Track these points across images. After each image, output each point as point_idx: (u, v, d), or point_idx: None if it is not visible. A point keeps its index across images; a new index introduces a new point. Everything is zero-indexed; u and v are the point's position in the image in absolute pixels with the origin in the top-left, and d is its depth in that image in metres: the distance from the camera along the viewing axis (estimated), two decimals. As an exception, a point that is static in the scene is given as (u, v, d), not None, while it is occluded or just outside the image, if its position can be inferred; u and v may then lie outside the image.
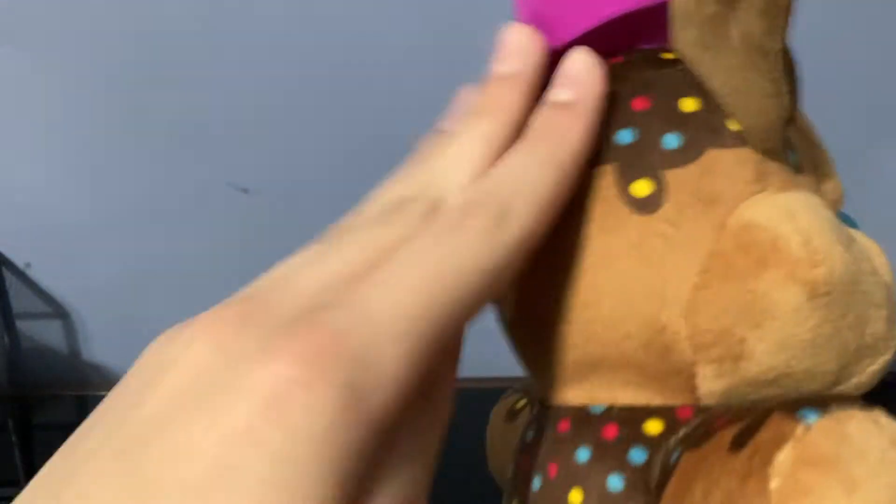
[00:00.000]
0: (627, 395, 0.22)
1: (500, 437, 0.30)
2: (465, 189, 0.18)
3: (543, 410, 0.24)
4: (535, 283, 0.22)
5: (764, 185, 0.21)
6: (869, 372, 0.21)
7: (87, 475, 0.13)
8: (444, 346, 0.16)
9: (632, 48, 0.23)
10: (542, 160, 0.19)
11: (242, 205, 0.67)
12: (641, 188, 0.21)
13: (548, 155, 0.19)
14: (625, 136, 0.21)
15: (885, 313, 0.21)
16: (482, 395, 0.32)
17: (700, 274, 0.20)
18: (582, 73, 0.20)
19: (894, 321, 0.21)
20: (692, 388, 0.21)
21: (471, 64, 0.69)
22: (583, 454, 0.22)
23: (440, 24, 0.60)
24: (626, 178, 0.21)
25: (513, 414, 0.29)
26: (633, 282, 0.21)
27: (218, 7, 0.61)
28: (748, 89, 0.21)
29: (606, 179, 0.21)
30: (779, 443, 0.18)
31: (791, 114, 0.22)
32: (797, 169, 0.22)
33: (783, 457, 0.18)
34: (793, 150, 0.23)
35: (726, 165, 0.21)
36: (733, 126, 0.21)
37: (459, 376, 0.19)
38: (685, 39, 0.21)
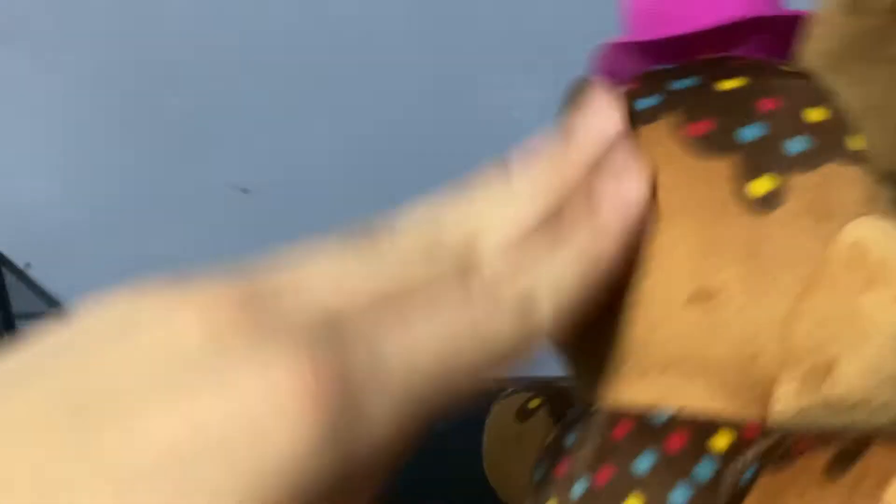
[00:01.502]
0: (696, 402, 0.21)
1: (511, 438, 0.29)
2: (501, 256, 0.17)
3: (592, 413, 0.24)
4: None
5: (871, 209, 0.21)
6: None
7: (39, 436, 0.12)
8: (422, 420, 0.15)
9: (729, 56, 0.23)
10: (574, 262, 0.18)
11: (242, 205, 0.67)
12: (761, 185, 0.21)
13: (581, 261, 0.18)
14: (749, 133, 0.21)
15: None
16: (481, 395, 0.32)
17: (807, 282, 0.20)
18: (636, 191, 0.20)
19: None
20: (766, 405, 0.21)
21: (472, 66, 0.69)
22: (643, 462, 0.21)
23: (442, 24, 0.60)
24: (747, 174, 0.21)
25: (525, 413, 0.29)
26: (738, 280, 0.20)
27: (218, 7, 0.61)
28: (894, 102, 0.21)
29: (725, 171, 0.21)
30: (886, 476, 0.18)
31: None
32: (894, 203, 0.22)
33: (892, 491, 0.17)
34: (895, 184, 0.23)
35: (842, 182, 0.21)
36: (854, 145, 0.21)
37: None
38: (825, 50, 0.21)
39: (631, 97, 0.23)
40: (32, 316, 0.70)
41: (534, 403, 0.30)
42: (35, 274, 0.70)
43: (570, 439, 0.23)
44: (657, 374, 0.22)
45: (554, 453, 0.24)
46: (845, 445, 0.19)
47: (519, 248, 0.17)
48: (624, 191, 0.20)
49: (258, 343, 0.13)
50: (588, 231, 0.19)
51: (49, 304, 0.71)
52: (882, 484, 0.18)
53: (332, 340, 0.13)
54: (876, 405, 0.20)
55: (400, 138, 0.64)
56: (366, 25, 0.61)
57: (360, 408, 0.13)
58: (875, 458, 0.18)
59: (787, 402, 0.20)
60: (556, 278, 0.18)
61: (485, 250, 0.17)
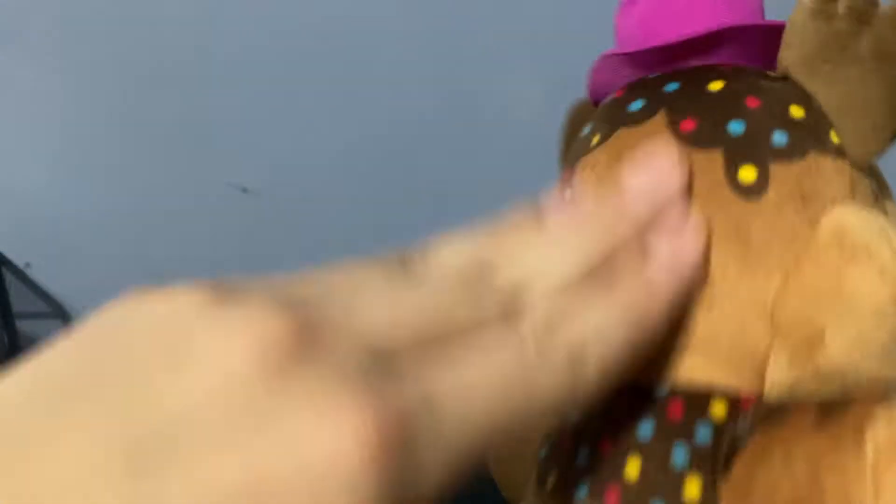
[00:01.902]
0: (695, 375, 0.22)
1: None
2: (549, 303, 0.17)
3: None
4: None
5: (852, 196, 0.22)
6: None
7: (96, 480, 0.11)
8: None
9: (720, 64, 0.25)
10: (625, 321, 0.18)
11: (242, 205, 0.67)
12: (748, 174, 0.22)
13: (632, 320, 0.18)
14: (737, 127, 0.23)
15: None
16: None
17: (794, 261, 0.22)
18: (692, 251, 0.20)
19: None
20: (761, 375, 0.22)
21: (472, 65, 0.69)
22: (645, 430, 0.22)
23: (441, 24, 0.60)
24: (735, 163, 0.22)
25: None
26: (730, 259, 0.22)
27: (218, 8, 0.61)
28: (867, 99, 0.22)
29: (715, 163, 0.23)
30: (867, 418, 0.19)
31: None
32: (875, 196, 0.24)
33: (882, 418, 0.19)
34: (873, 177, 0.24)
35: (826, 171, 0.22)
36: (835, 139, 0.23)
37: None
38: (799, 55, 0.23)
39: (622, 102, 0.25)
40: (32, 316, 0.70)
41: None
42: (35, 274, 0.70)
43: (573, 415, 0.24)
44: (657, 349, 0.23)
45: (558, 431, 0.24)
46: (828, 403, 0.20)
47: (567, 297, 0.17)
48: (679, 249, 0.20)
49: (316, 383, 0.12)
50: (639, 285, 0.18)
51: (49, 304, 0.71)
52: (864, 426, 0.19)
53: (389, 382, 0.13)
54: (865, 375, 0.21)
55: (400, 138, 0.64)
56: (366, 26, 0.61)
57: (416, 457, 0.13)
58: (856, 407, 0.20)
59: (780, 373, 0.22)
60: (604, 329, 0.17)
61: (532, 296, 0.16)
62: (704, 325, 0.22)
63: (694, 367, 0.22)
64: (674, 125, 0.23)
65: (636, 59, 0.25)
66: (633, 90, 0.25)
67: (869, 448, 0.19)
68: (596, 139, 0.25)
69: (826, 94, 0.23)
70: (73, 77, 0.63)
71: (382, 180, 0.66)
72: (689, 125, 0.23)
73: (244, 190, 0.67)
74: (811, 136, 0.23)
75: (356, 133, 0.65)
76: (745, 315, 0.22)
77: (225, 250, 0.67)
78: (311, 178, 0.65)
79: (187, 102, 0.64)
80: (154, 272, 0.71)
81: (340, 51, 0.62)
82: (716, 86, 0.24)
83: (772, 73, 0.24)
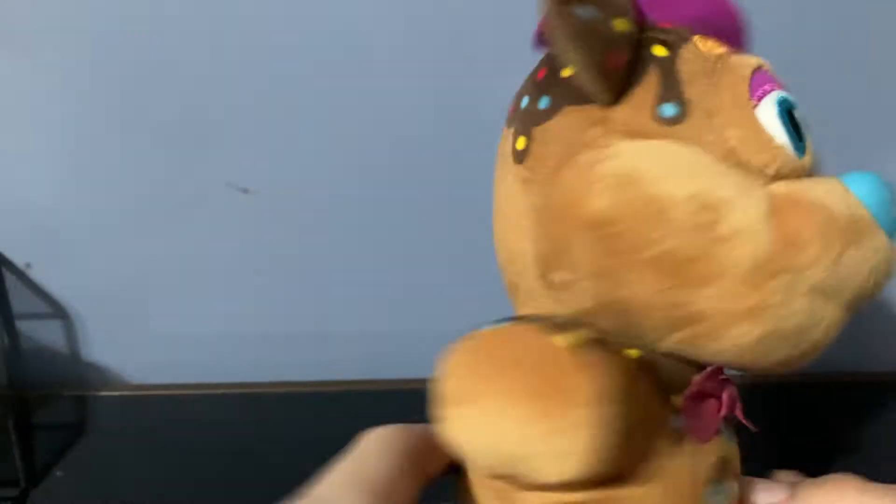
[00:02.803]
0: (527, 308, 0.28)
1: None
2: None
3: None
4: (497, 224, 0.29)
5: (606, 131, 0.25)
6: None
7: None
8: None
9: None
10: None
11: (242, 205, 0.67)
12: (521, 143, 0.27)
13: None
14: (524, 102, 0.28)
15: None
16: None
17: (541, 210, 0.25)
18: None
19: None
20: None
21: (469, 64, 0.69)
22: None
23: (440, 24, 0.60)
24: (516, 136, 0.27)
25: None
26: (510, 218, 0.27)
27: (218, 7, 0.61)
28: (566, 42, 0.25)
29: (508, 139, 0.28)
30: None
31: (600, 53, 0.24)
32: (675, 120, 0.24)
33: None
34: (679, 102, 0.24)
35: (576, 120, 0.25)
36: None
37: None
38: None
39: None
40: (32, 316, 0.70)
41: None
42: (35, 274, 0.70)
43: None
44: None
45: None
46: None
47: None
48: None
49: None
50: None
51: (49, 304, 0.71)
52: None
53: None
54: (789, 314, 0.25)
55: (400, 138, 0.64)
56: (365, 26, 0.61)
57: None
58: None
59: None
60: None
61: None
62: (512, 270, 0.27)
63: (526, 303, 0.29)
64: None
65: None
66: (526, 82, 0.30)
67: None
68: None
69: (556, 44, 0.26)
70: (73, 77, 0.63)
71: (382, 181, 0.66)
72: (511, 110, 0.29)
73: (244, 190, 0.67)
74: (568, 91, 0.26)
75: (356, 133, 0.65)
76: (524, 258, 0.26)
77: (225, 250, 0.67)
78: (311, 179, 0.65)
79: (187, 103, 0.64)
80: (154, 273, 0.71)
81: (340, 51, 0.62)
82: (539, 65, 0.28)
83: None
